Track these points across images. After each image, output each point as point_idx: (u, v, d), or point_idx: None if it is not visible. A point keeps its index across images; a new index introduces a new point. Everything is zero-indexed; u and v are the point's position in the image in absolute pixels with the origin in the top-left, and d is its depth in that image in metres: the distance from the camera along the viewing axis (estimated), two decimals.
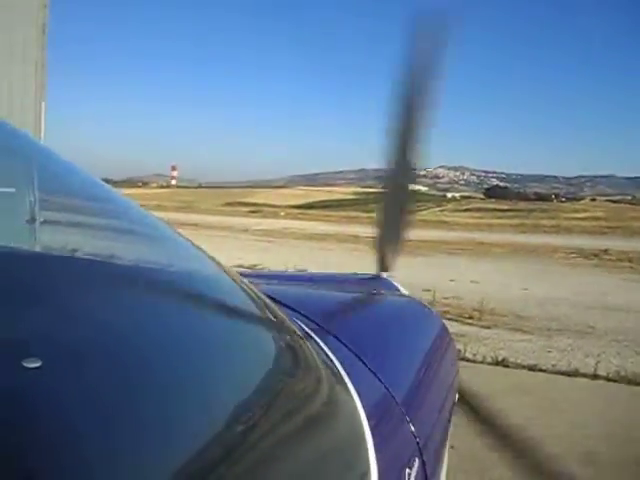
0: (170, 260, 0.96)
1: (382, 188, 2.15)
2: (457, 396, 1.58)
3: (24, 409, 0.47)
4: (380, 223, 2.12)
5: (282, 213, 61.95)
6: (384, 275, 2.09)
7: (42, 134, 5.74)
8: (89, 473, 0.45)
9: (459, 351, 5.37)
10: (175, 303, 0.80)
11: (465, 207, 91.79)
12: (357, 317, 1.43)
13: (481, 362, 5.64)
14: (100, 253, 0.88)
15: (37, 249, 1.21)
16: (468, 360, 5.52)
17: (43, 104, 5.22)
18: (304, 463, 0.66)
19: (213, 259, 0.96)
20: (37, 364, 0.48)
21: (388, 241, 2.13)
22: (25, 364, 0.48)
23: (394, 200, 2.15)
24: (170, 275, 0.89)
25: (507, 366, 5.57)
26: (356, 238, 25.15)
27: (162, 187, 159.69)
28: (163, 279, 0.85)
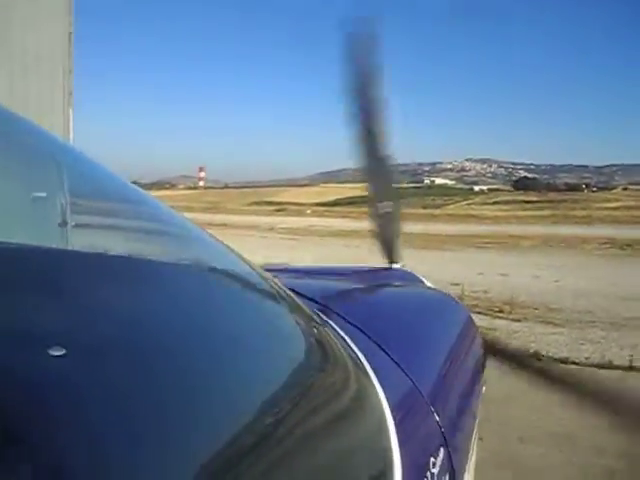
0: (197, 257, 0.98)
1: (366, 184, 2.30)
2: (484, 388, 1.57)
3: (46, 393, 0.49)
4: (375, 216, 2.24)
5: (308, 211, 62.05)
6: (396, 266, 2.14)
7: (71, 141, 5.83)
8: (109, 459, 0.47)
9: None
10: (201, 298, 0.82)
11: (493, 200, 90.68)
12: (380, 309, 1.44)
13: None
14: (128, 251, 0.91)
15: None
16: None
17: (71, 111, 5.29)
18: (328, 453, 0.67)
19: (238, 255, 0.98)
20: (61, 352, 0.50)
21: (387, 233, 2.25)
22: (50, 352, 0.50)
23: (381, 193, 2.27)
24: (196, 271, 0.91)
25: (539, 359, 5.50)
26: None
27: (189, 188, 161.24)
28: (189, 275, 0.87)
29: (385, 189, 2.28)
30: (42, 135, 1.00)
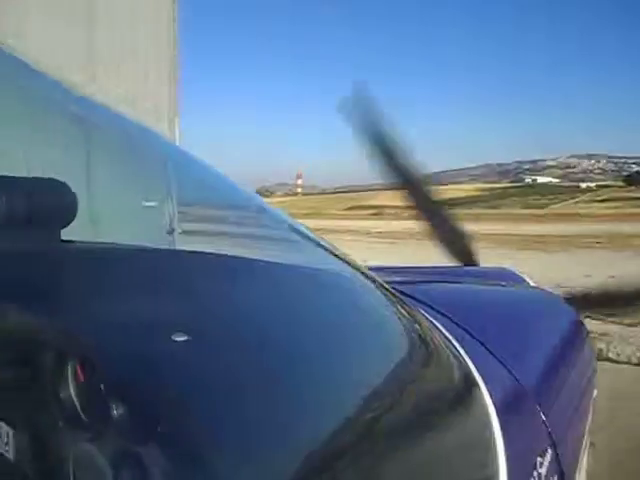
0: (304, 257, 1.04)
1: (405, 195, 2.24)
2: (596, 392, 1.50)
3: (169, 374, 0.55)
4: (431, 223, 2.19)
5: (405, 214, 61.48)
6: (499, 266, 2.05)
7: None
8: (222, 436, 0.51)
9: (600, 350, 5.03)
10: (308, 296, 0.86)
11: (602, 197, 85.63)
12: (484, 307, 1.41)
13: (626, 362, 5.24)
14: (241, 252, 0.97)
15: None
16: (612, 361, 5.16)
17: (177, 120, 5.44)
18: (433, 449, 0.69)
19: (344, 255, 1.02)
20: (184, 338, 0.57)
21: (455, 235, 2.16)
22: (174, 338, 0.56)
23: (424, 200, 2.22)
24: (304, 270, 0.96)
25: None
26: (481, 236, 24.38)
27: (287, 195, 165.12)
28: (297, 274, 0.92)
29: (425, 199, 2.23)
30: (156, 141, 1.09)
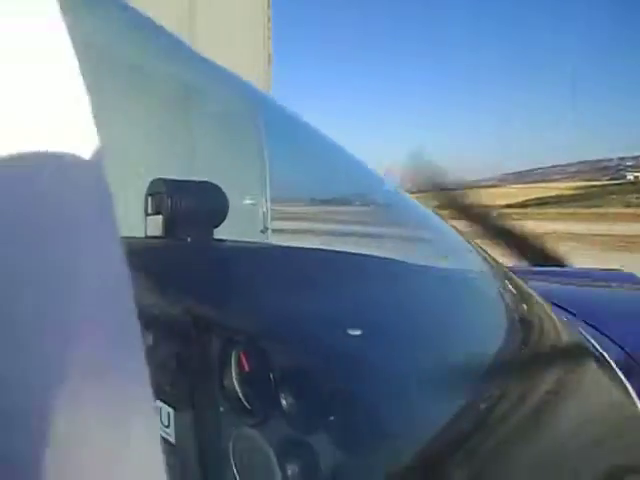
0: (442, 254, 1.06)
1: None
2: None
3: (348, 364, 0.62)
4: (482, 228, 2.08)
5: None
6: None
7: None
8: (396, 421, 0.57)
9: None
10: (445, 295, 0.88)
11: None
12: (622, 314, 1.36)
13: None
14: (368, 248, 1.03)
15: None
16: None
17: (270, 79, 5.41)
18: (595, 467, 0.67)
19: (483, 253, 1.02)
20: (358, 332, 0.63)
21: (511, 236, 2.05)
22: (349, 332, 0.63)
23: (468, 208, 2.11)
24: (446, 272, 0.99)
25: None
26: (579, 237, 23.18)
27: None
28: (440, 275, 0.96)
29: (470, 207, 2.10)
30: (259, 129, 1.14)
